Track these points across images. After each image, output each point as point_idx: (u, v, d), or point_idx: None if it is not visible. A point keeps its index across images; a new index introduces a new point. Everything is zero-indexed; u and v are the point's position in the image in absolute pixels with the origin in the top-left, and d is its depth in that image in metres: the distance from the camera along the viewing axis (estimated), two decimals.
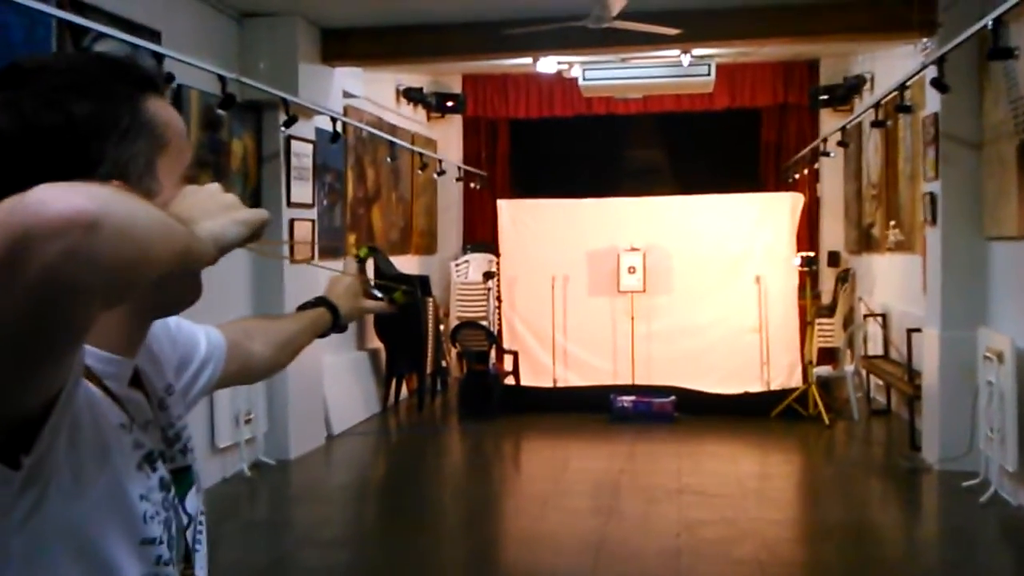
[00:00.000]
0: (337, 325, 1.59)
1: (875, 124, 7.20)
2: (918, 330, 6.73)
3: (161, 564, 0.93)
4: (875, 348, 8.69)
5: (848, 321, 8.97)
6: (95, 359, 0.92)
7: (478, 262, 10.42)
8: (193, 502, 1.05)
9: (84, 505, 0.86)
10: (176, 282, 0.90)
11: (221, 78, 5.53)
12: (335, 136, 7.10)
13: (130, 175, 0.92)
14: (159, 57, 4.88)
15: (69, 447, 0.83)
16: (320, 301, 1.58)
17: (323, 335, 1.58)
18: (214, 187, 0.93)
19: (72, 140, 0.89)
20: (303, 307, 1.57)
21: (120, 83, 0.94)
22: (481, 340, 8.94)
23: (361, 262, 1.66)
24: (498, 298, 9.74)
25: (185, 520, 1.03)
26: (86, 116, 0.89)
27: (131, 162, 0.92)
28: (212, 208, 0.90)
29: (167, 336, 1.14)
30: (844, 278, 9.32)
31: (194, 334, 1.24)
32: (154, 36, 5.21)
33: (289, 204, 6.75)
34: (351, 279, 1.62)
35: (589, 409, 8.21)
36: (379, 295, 1.68)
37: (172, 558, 0.96)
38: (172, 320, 1.15)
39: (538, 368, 9.27)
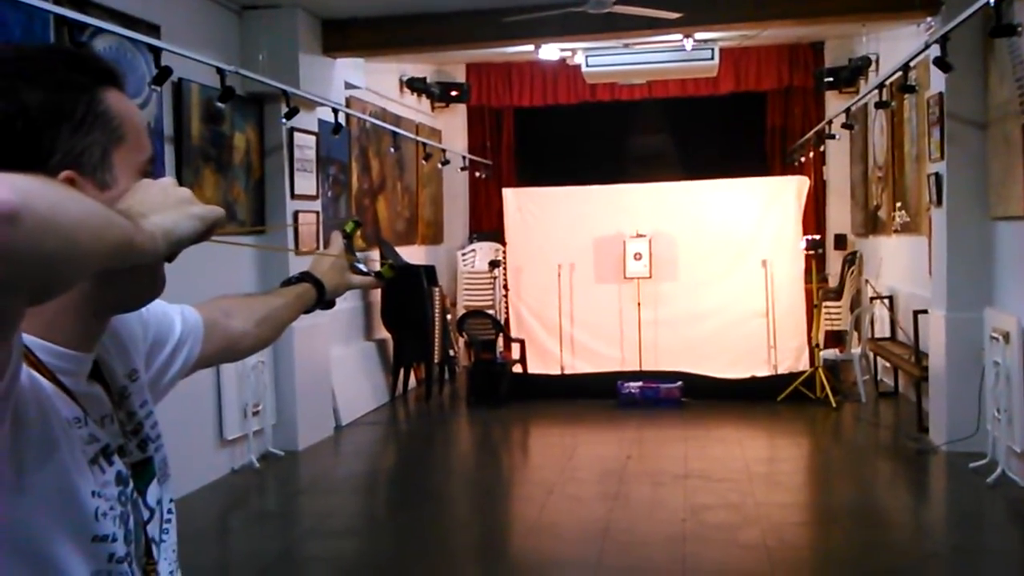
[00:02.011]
0: (322, 301, 1.55)
1: (880, 105, 7.16)
2: (925, 312, 6.71)
3: (114, 562, 0.92)
4: (882, 330, 8.66)
5: (855, 304, 8.95)
6: (48, 354, 0.91)
7: (484, 251, 10.43)
8: (155, 494, 1.04)
9: (28, 502, 0.84)
10: (130, 277, 0.88)
11: (220, 71, 5.54)
12: (337, 128, 7.11)
13: (84, 166, 0.91)
14: (158, 51, 4.89)
15: (12, 443, 0.82)
16: (304, 276, 1.55)
17: (308, 311, 1.55)
18: (167, 181, 0.92)
19: (24, 129, 0.88)
20: (287, 283, 1.54)
21: (76, 74, 0.93)
22: (488, 329, 8.95)
23: (347, 237, 1.64)
24: (505, 287, 9.76)
25: (146, 514, 1.02)
26: (38, 105, 0.89)
27: (85, 153, 0.92)
28: (164, 202, 0.88)
29: (137, 319, 1.12)
30: (851, 261, 9.29)
31: (168, 315, 1.22)
32: (153, 30, 5.21)
33: (293, 196, 6.76)
34: (337, 254, 1.60)
35: (596, 395, 8.23)
36: (365, 270, 1.66)
37: (129, 553, 0.95)
38: None
39: (545, 356, 9.28)
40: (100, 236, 0.73)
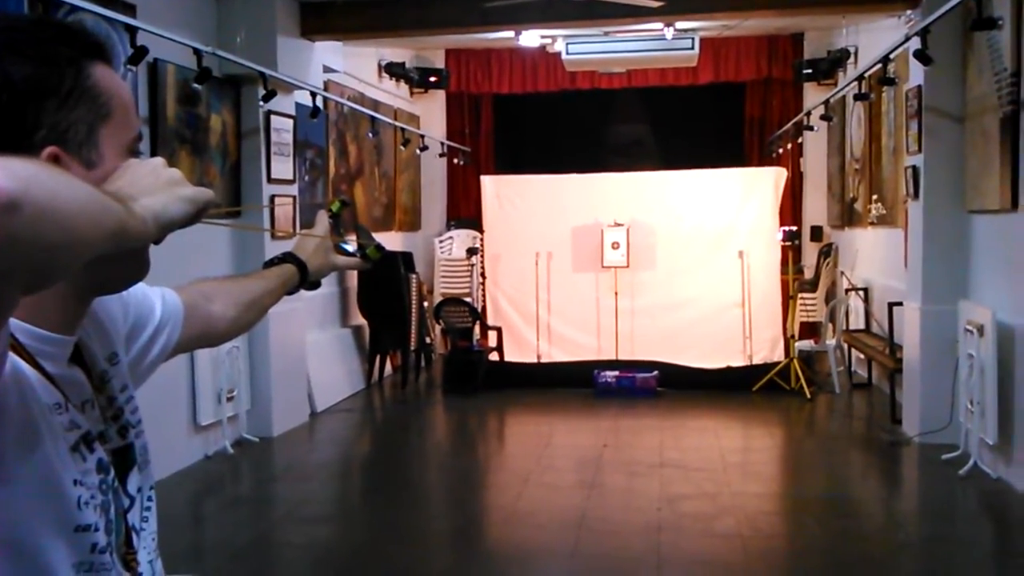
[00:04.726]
0: (306, 282, 1.52)
1: (858, 97, 7.17)
2: (899, 304, 6.75)
3: (97, 551, 0.90)
4: (857, 322, 8.72)
5: (830, 295, 9.01)
6: (30, 337, 0.88)
7: (462, 238, 10.39)
8: (135, 481, 1.02)
9: (9, 493, 0.82)
10: (116, 261, 0.85)
11: (197, 52, 5.46)
12: (315, 111, 7.04)
13: (69, 143, 0.88)
14: (133, 30, 4.81)
15: None
16: (287, 257, 1.52)
17: (291, 292, 1.52)
18: (157, 161, 0.89)
19: (8, 102, 0.85)
20: (269, 264, 1.51)
21: (64, 47, 0.90)
22: (465, 316, 8.92)
23: (334, 216, 1.60)
24: (482, 274, 9.72)
25: (126, 502, 0.99)
26: (24, 78, 0.86)
27: (71, 129, 0.89)
28: (153, 184, 0.85)
29: (118, 302, 1.09)
30: (827, 252, 9.34)
31: (148, 298, 1.19)
32: (129, 9, 5.12)
33: (270, 180, 6.69)
34: (322, 235, 1.56)
35: (573, 384, 8.24)
36: (351, 251, 1.62)
37: (110, 543, 0.93)
38: None
39: (522, 344, 9.27)
40: (97, 223, 0.71)
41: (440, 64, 10.65)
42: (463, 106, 11.17)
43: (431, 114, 11.03)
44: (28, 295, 0.70)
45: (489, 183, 9.66)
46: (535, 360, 9.07)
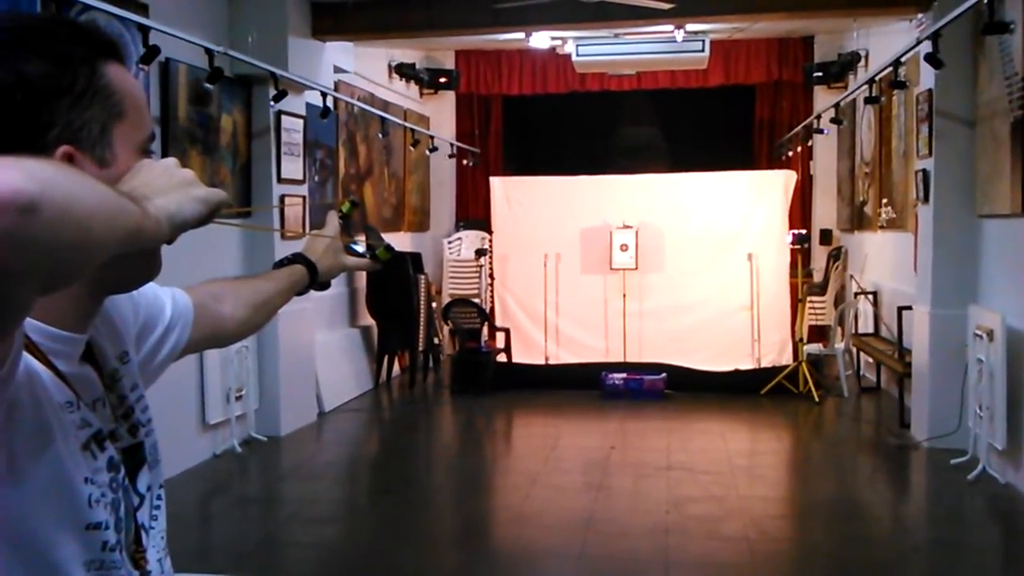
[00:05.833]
0: (315, 283, 1.52)
1: (869, 101, 7.17)
2: (909, 308, 6.73)
3: (107, 550, 0.90)
4: (866, 326, 8.69)
5: (839, 299, 8.98)
6: (42, 335, 0.88)
7: (470, 239, 10.40)
8: (145, 480, 1.02)
9: (21, 491, 0.82)
10: (128, 260, 0.85)
11: (208, 51, 5.48)
12: (325, 111, 7.06)
13: (83, 141, 0.89)
14: (146, 30, 4.83)
15: (5, 430, 0.80)
16: (297, 258, 1.52)
17: (301, 292, 1.52)
18: (170, 162, 0.89)
19: (22, 100, 0.85)
20: (279, 264, 1.51)
21: (77, 46, 0.90)
22: (473, 317, 8.93)
23: (344, 217, 1.60)
24: (490, 275, 9.73)
25: (136, 500, 1.00)
26: (38, 76, 0.86)
27: (84, 128, 0.89)
28: (167, 184, 0.86)
29: (128, 301, 1.10)
30: (836, 256, 9.32)
31: (159, 298, 1.19)
32: (141, 9, 5.14)
33: (280, 180, 6.71)
34: (332, 235, 1.56)
35: (580, 386, 8.23)
36: (361, 251, 1.62)
37: (120, 541, 0.93)
38: None
39: (530, 345, 9.27)
40: (113, 223, 0.71)
41: (450, 65, 10.66)
42: (473, 107, 11.18)
43: (441, 115, 11.04)
44: (45, 295, 0.70)
45: (498, 184, 9.67)
46: (543, 361, 9.07)
